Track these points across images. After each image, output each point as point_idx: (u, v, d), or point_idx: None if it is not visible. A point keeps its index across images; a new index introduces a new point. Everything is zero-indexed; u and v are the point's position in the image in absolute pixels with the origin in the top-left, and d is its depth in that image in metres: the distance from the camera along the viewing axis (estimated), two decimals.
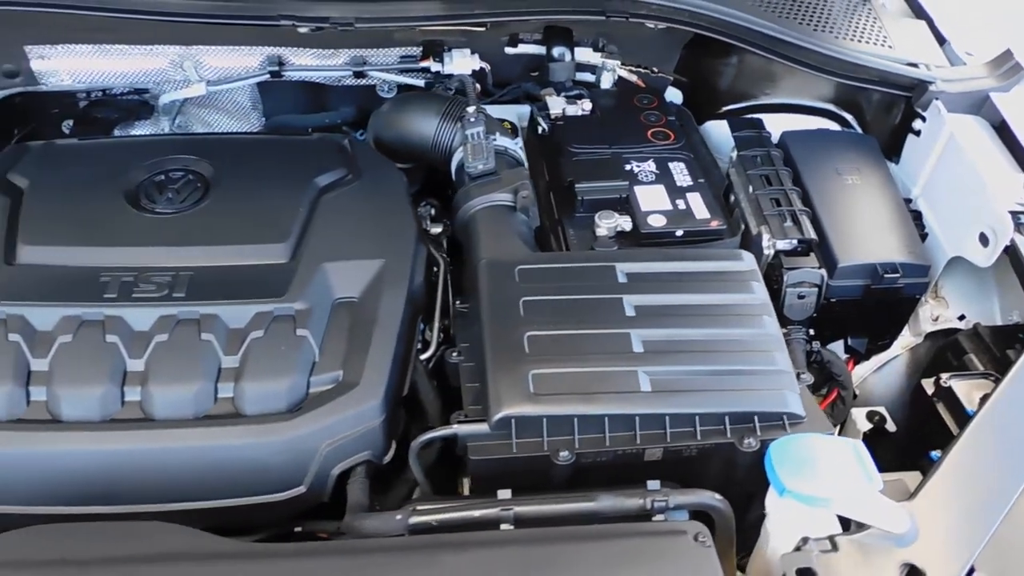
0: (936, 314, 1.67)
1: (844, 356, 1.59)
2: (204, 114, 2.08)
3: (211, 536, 1.05)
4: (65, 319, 1.28)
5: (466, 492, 1.27)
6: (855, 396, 1.56)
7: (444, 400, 1.40)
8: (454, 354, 1.37)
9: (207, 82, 1.89)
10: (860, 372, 1.64)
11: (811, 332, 1.49)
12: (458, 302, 1.50)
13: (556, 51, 1.81)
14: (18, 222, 1.41)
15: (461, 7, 1.62)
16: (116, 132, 2.02)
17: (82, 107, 2.03)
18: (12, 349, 1.25)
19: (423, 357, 1.43)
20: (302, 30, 1.60)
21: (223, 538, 1.05)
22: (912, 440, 1.51)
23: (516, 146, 1.64)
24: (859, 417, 1.57)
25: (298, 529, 1.28)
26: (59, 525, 1.08)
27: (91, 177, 1.53)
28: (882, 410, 1.59)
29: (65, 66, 1.82)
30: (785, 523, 1.10)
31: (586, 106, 1.78)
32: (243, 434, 1.23)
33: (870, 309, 1.51)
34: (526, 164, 1.62)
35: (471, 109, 1.59)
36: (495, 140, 1.57)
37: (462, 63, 1.80)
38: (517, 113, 1.83)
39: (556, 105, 1.77)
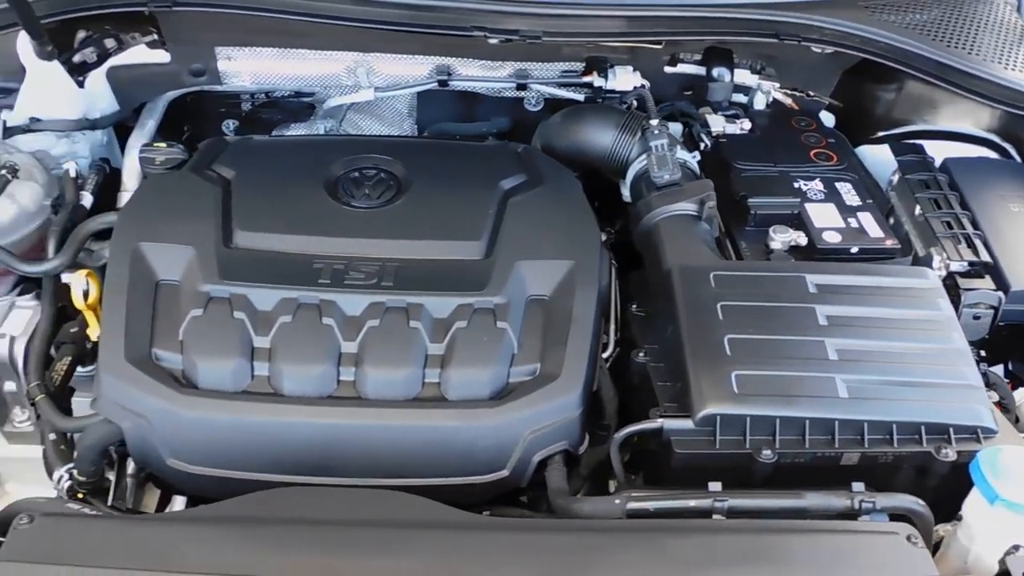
0: None
1: (1005, 380, 1.61)
2: (358, 119, 2.18)
3: (449, 508, 1.12)
4: (284, 301, 1.37)
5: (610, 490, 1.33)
6: (1017, 420, 1.58)
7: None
8: (640, 355, 1.43)
9: (375, 88, 1.98)
10: (1018, 398, 1.66)
11: (982, 353, 1.52)
12: (634, 306, 1.57)
13: (716, 71, 1.88)
14: (231, 209, 1.51)
15: (644, 25, 1.70)
16: (273, 133, 2.15)
17: (250, 108, 2.16)
18: (238, 326, 1.34)
19: (603, 356, 1.49)
20: (492, 41, 1.68)
21: (461, 510, 1.11)
22: None
23: (694, 159, 1.70)
24: None
25: (487, 513, 1.35)
26: (302, 487, 1.16)
27: (291, 171, 1.63)
28: None
29: (247, 67, 1.93)
30: (993, 531, 1.13)
31: (745, 125, 1.84)
32: (455, 417, 1.30)
33: None
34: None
35: (654, 122, 1.66)
36: (676, 153, 1.64)
37: (625, 79, 1.87)
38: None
39: (717, 123, 1.84)
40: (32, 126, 1.73)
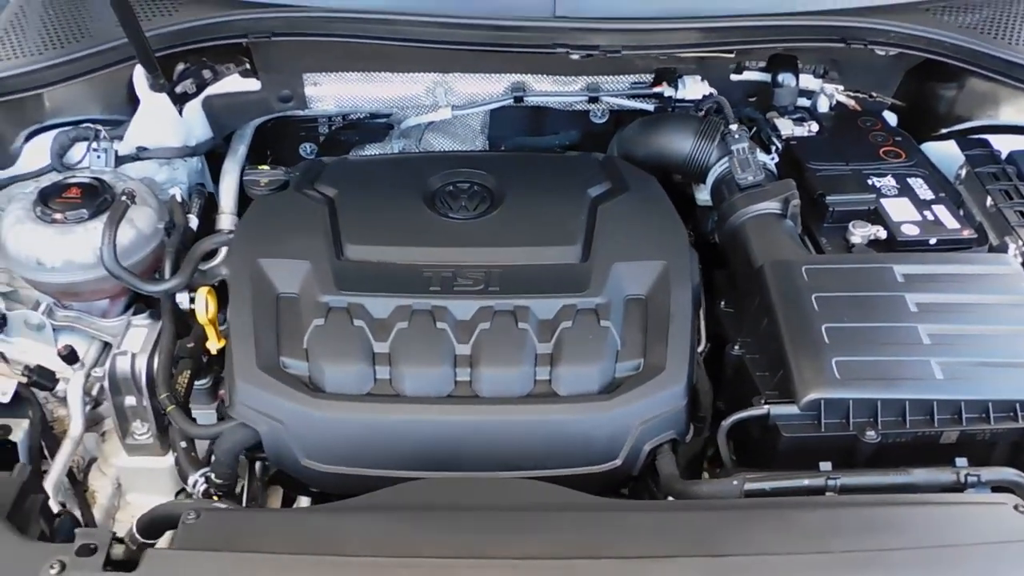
0: None
1: None
2: (431, 136, 2.27)
3: (581, 493, 1.19)
4: (399, 308, 1.46)
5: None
6: None
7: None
8: (735, 348, 1.51)
9: (452, 107, 2.08)
10: None
11: None
12: (722, 303, 1.64)
13: (781, 77, 1.95)
14: (338, 224, 1.61)
15: (718, 36, 1.78)
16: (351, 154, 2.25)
17: (327, 131, 2.26)
18: (358, 333, 1.43)
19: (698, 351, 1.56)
20: (574, 57, 1.77)
21: (593, 496, 1.19)
22: None
23: (772, 161, 1.78)
24: None
25: None
26: (442, 477, 1.24)
27: (389, 187, 1.72)
28: None
29: (332, 92, 2.02)
30: None
31: (812, 127, 1.91)
32: (570, 411, 1.38)
33: None
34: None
35: (734, 126, 1.74)
36: (757, 155, 1.72)
37: (694, 88, 1.95)
38: None
39: (785, 127, 1.91)
40: (140, 155, 1.84)
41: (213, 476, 1.43)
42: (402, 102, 2.08)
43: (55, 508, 1.51)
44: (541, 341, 1.44)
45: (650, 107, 2.02)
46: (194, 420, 1.56)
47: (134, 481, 1.78)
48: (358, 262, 1.54)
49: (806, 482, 1.22)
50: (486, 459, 1.37)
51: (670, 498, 1.35)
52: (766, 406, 1.33)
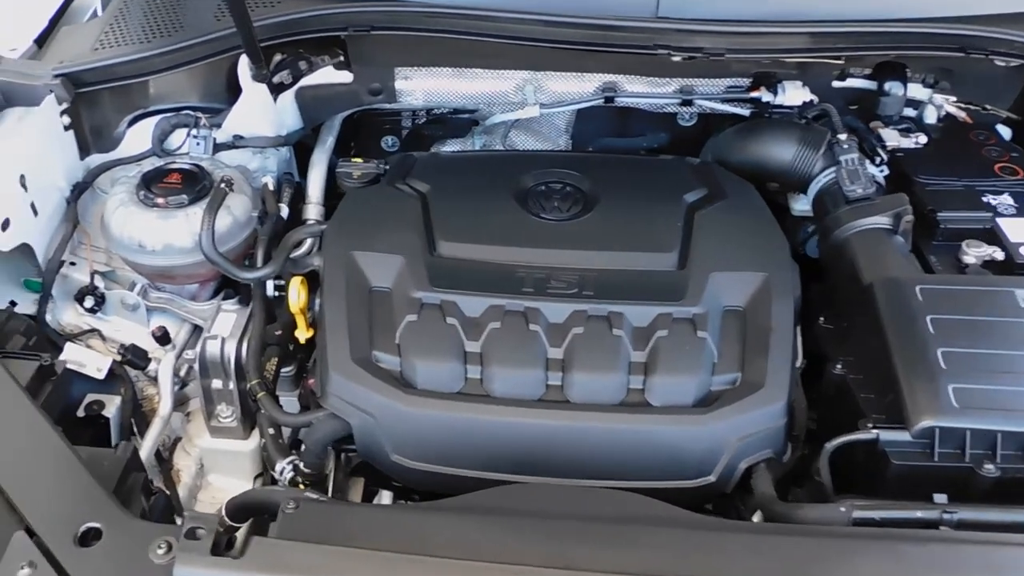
0: None
1: None
2: (514, 134, 2.25)
3: (678, 508, 1.16)
4: (492, 308, 1.44)
5: None
6: None
7: None
8: (837, 367, 1.45)
9: (540, 105, 2.05)
10: None
11: None
12: (822, 319, 1.58)
13: (888, 85, 1.88)
14: (431, 220, 1.60)
15: (828, 40, 1.72)
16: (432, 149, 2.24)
17: (411, 125, 2.26)
18: (451, 331, 1.42)
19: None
20: (676, 59, 1.73)
21: (691, 512, 1.15)
22: None
23: (881, 173, 1.71)
24: None
25: None
26: (538, 484, 1.22)
27: (481, 184, 1.70)
28: None
29: (422, 86, 2.02)
30: None
31: (920, 139, 1.83)
32: (665, 422, 1.35)
33: None
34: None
35: (843, 136, 1.68)
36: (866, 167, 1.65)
37: (794, 94, 1.89)
38: None
39: (891, 137, 1.83)
40: (236, 143, 1.86)
41: (301, 465, 1.44)
42: (490, 98, 2.06)
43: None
44: (635, 349, 1.41)
45: (745, 112, 1.96)
46: (278, 402, 1.58)
47: (216, 462, 1.81)
48: (451, 259, 1.53)
49: (919, 514, 1.17)
50: (575, 466, 1.35)
51: (756, 517, 1.31)
52: (874, 431, 1.27)
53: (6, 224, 1.52)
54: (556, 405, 1.37)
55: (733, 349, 1.42)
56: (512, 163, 1.82)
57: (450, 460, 1.37)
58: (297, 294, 1.59)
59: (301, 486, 1.45)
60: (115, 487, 1.21)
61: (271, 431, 1.52)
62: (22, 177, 1.58)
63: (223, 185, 1.64)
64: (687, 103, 2.00)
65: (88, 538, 1.08)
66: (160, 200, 1.65)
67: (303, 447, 1.43)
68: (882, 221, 1.56)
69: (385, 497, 1.50)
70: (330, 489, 1.47)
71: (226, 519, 1.45)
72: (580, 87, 2.01)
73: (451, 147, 2.23)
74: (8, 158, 1.57)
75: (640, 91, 2.00)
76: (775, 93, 1.90)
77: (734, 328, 1.44)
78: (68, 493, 1.14)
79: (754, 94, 1.93)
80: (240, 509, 1.41)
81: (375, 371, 1.39)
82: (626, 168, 1.81)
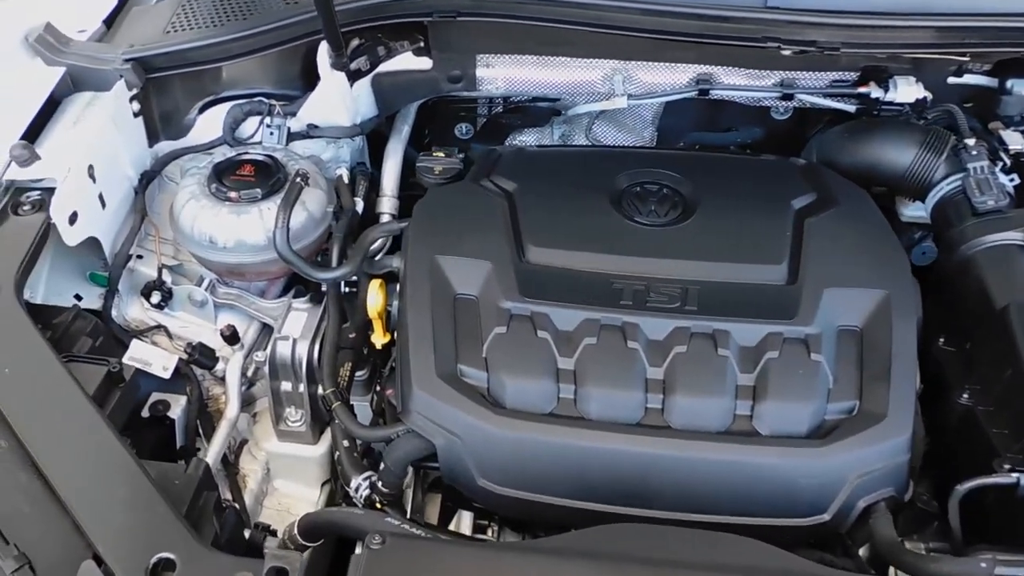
0: None
1: None
2: (596, 125, 2.14)
3: (801, 559, 1.05)
4: (586, 321, 1.33)
5: None
6: None
7: None
8: (963, 396, 1.32)
9: (628, 96, 1.93)
10: None
11: None
12: (941, 340, 1.45)
13: (1011, 83, 1.72)
14: (519, 222, 1.49)
15: (957, 36, 1.57)
16: (509, 138, 2.14)
17: (492, 113, 2.15)
18: (542, 346, 1.32)
19: None
20: (786, 53, 1.60)
21: (817, 565, 1.04)
22: None
23: (1011, 183, 1.56)
24: None
25: None
26: (639, 525, 1.12)
27: (572, 184, 1.59)
28: None
29: (504, 74, 1.90)
30: None
31: None
32: (777, 455, 1.23)
33: None
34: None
35: (971, 141, 1.53)
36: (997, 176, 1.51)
37: (907, 91, 1.74)
38: None
39: (1014, 140, 1.68)
40: (311, 132, 1.77)
41: (380, 484, 1.35)
42: (575, 88, 1.94)
43: None
44: (743, 371, 1.30)
45: (850, 108, 1.82)
46: (356, 416, 1.50)
47: (283, 468, 1.74)
48: (541, 266, 1.42)
49: None
50: (675, 498, 1.25)
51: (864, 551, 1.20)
52: (1014, 474, 1.15)
53: (74, 218, 1.45)
54: (657, 431, 1.26)
55: (850, 374, 1.30)
56: (603, 160, 1.70)
57: (541, 487, 1.27)
58: (376, 298, 1.51)
59: (378, 505, 1.37)
60: (187, 509, 1.14)
61: (345, 443, 1.44)
62: (90, 168, 1.51)
63: (298, 179, 1.55)
64: (787, 97, 1.86)
65: (159, 570, 1.01)
66: (232, 194, 1.57)
67: (382, 466, 1.34)
68: (1015, 237, 1.42)
69: (465, 519, 1.42)
70: (409, 510, 1.38)
71: (298, 537, 1.39)
72: (672, 78, 1.88)
73: (528, 137, 2.12)
74: (77, 148, 1.50)
75: (738, 84, 1.87)
76: (885, 89, 1.75)
77: (850, 350, 1.32)
78: (138, 517, 1.07)
79: (862, 89, 1.78)
80: (315, 529, 1.34)
81: (461, 388, 1.30)
82: (727, 168, 1.68)
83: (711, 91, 1.87)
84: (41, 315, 1.39)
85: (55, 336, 1.36)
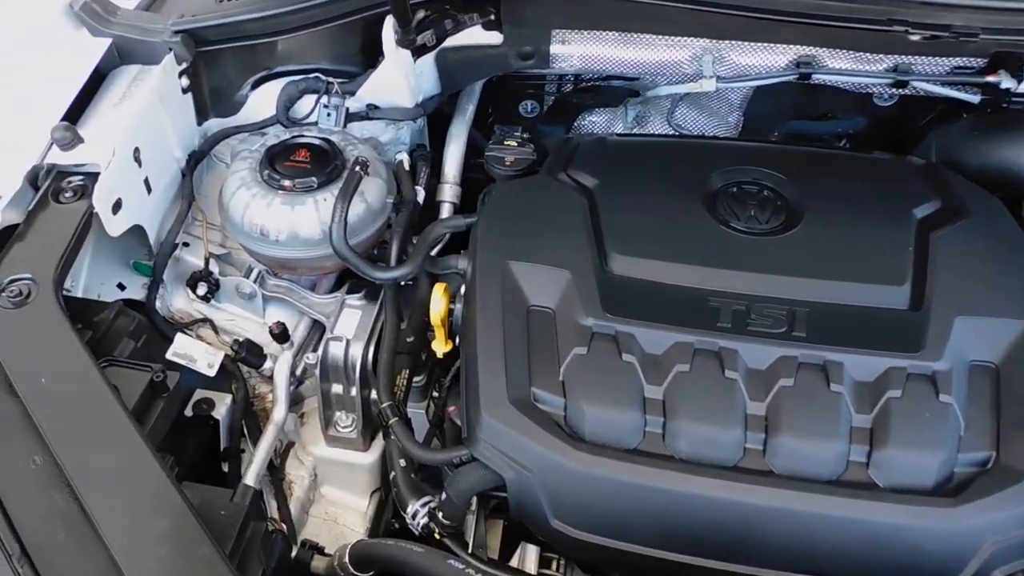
0: None
1: None
2: (677, 108, 1.96)
3: None
4: (678, 345, 1.18)
5: None
6: None
7: None
8: None
9: (718, 78, 1.74)
10: None
11: None
12: None
13: None
14: (600, 225, 1.33)
15: None
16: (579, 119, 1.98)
17: (561, 91, 1.98)
18: (628, 371, 1.17)
19: None
20: (914, 38, 1.40)
21: None
22: None
23: None
24: None
25: None
26: None
27: (660, 181, 1.43)
28: None
29: (580, 51, 1.72)
30: None
31: None
32: (900, 512, 1.07)
33: None
34: None
35: None
36: None
37: None
38: None
39: None
40: (370, 114, 1.62)
41: (440, 515, 1.22)
42: (658, 68, 1.75)
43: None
44: (858, 411, 1.13)
45: (974, 98, 1.60)
46: (413, 431, 1.37)
47: (330, 474, 1.63)
48: (627, 278, 1.26)
49: None
50: (775, 555, 1.10)
51: None
52: None
53: (118, 206, 1.33)
54: (757, 476, 1.11)
55: (984, 419, 1.12)
56: (693, 154, 1.52)
57: (622, 532, 1.13)
58: (439, 303, 1.37)
59: (436, 535, 1.24)
60: (232, 544, 1.02)
61: (402, 463, 1.32)
62: (136, 151, 1.38)
63: (358, 168, 1.41)
64: (899, 84, 1.65)
65: None
66: (286, 182, 1.43)
67: (443, 495, 1.21)
68: None
69: (531, 553, 1.28)
70: (471, 543, 1.25)
71: (348, 566, 1.27)
72: (769, 60, 1.68)
73: (600, 117, 1.96)
74: (123, 129, 1.37)
75: (845, 68, 1.67)
76: (1020, 79, 1.54)
77: (985, 391, 1.14)
78: (181, 556, 0.96)
79: (990, 78, 1.56)
80: (369, 561, 1.23)
81: (535, 415, 1.15)
82: (835, 167, 1.49)
83: (813, 75, 1.68)
84: (81, 312, 1.28)
85: (95, 337, 1.25)
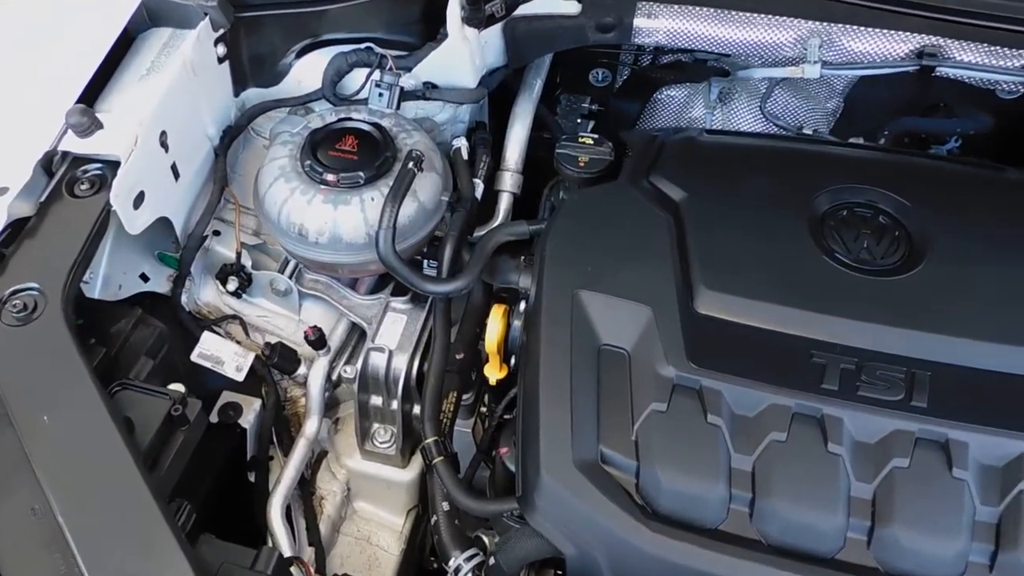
0: None
1: None
2: (774, 92, 1.73)
3: None
4: (773, 408, 1.01)
5: None
6: None
7: None
8: None
9: (823, 63, 1.52)
10: None
11: None
12: None
13: None
14: (687, 251, 1.15)
15: None
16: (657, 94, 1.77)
17: (638, 64, 1.78)
18: (714, 436, 1.00)
19: None
20: None
21: None
22: None
23: None
24: None
25: None
26: None
27: (756, 196, 1.23)
28: None
29: (667, 26, 1.51)
30: None
31: None
32: None
33: None
34: None
35: None
36: None
37: None
38: None
39: None
40: (427, 93, 1.43)
41: None
42: (755, 48, 1.53)
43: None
44: (983, 503, 0.96)
45: None
46: (458, 470, 1.23)
47: (365, 489, 1.51)
48: (716, 320, 1.08)
49: None
50: None
51: None
52: None
53: (139, 199, 1.17)
54: (862, 574, 0.95)
55: None
56: (796, 163, 1.31)
57: None
58: (496, 326, 1.21)
59: None
60: None
61: (445, 506, 1.18)
62: (163, 135, 1.22)
63: (411, 165, 1.23)
64: None
65: None
66: (330, 176, 1.26)
67: (491, 560, 1.07)
68: None
69: None
70: None
71: None
72: (886, 48, 1.46)
73: (679, 92, 1.77)
74: (148, 109, 1.20)
75: (972, 62, 1.44)
76: None
77: None
78: None
79: None
80: None
81: (603, 482, 0.99)
82: (966, 186, 1.27)
83: (937, 68, 1.45)
84: (97, 320, 1.14)
85: (111, 352, 1.12)
